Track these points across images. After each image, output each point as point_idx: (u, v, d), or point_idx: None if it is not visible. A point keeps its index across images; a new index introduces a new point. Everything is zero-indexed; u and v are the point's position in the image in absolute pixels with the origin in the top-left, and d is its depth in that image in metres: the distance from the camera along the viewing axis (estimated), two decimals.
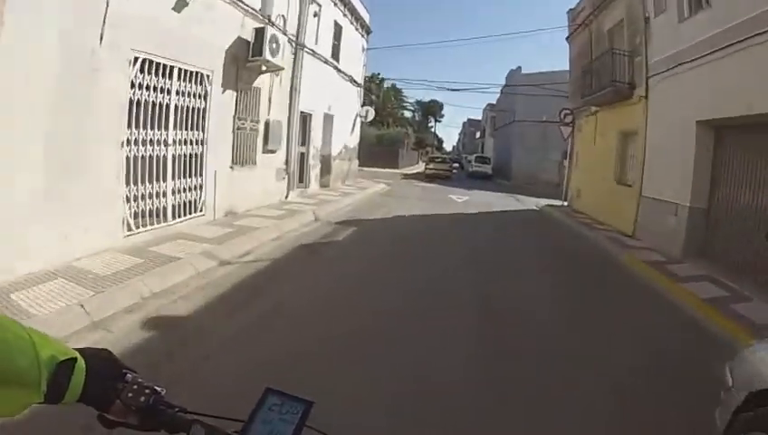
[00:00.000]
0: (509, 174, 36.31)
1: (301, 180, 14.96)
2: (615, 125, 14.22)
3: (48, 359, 0.79)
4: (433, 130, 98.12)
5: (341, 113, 17.86)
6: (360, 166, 35.67)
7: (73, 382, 0.82)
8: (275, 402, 0.86)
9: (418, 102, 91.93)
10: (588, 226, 13.63)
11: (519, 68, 38.39)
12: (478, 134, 75.91)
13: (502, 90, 46.62)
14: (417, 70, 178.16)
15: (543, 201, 20.76)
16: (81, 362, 0.85)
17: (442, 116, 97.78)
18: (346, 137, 19.10)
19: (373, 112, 20.96)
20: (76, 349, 0.88)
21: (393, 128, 48.34)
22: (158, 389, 0.91)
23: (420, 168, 43.87)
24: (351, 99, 19.41)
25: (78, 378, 0.83)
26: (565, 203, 18.98)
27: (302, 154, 14.93)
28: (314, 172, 15.65)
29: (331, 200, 13.82)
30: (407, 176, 31.71)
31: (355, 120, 20.12)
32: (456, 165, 69.15)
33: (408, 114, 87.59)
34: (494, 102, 51.01)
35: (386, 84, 56.41)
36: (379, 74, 55.62)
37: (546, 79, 34.09)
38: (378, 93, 55.17)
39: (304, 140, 14.93)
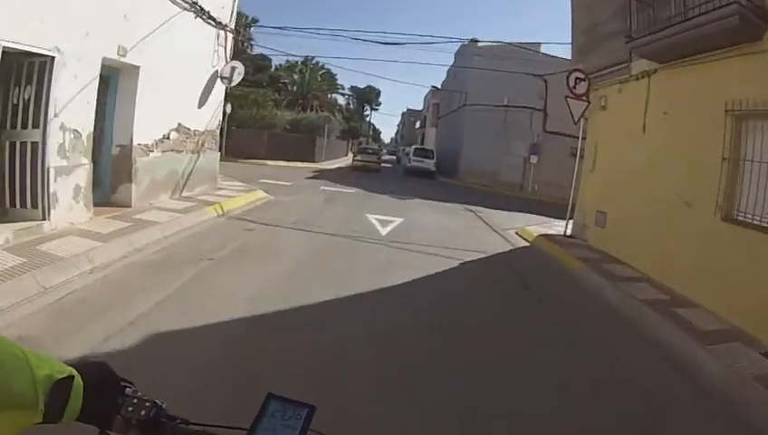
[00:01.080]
0: (456, 171, 28.87)
1: (23, 203, 6.63)
2: (713, 95, 6.76)
3: (45, 377, 0.78)
4: (369, 119, 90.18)
5: (170, 67, 9.46)
6: (263, 159, 27.35)
7: (72, 400, 0.81)
8: (277, 408, 0.84)
9: (353, 88, 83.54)
10: (671, 314, 6.11)
11: (474, 40, 30.97)
12: (418, 124, 68.57)
13: (449, 71, 39.43)
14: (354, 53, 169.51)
15: (520, 221, 13.36)
16: (78, 380, 0.83)
17: (379, 104, 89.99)
18: (186, 111, 10.69)
19: (242, 71, 12.47)
20: (73, 365, 0.86)
21: (318, 112, 39.86)
22: (159, 402, 0.89)
23: (347, 161, 36.93)
24: (199, 45, 11.04)
25: (76, 395, 0.82)
26: (569, 229, 11.53)
27: (24, 146, 6.60)
28: (72, 183, 7.19)
29: (61, 259, 5.53)
30: (320, 173, 23.31)
31: (211, 85, 11.78)
32: (391, 158, 62.21)
33: (341, 101, 79.63)
34: (439, 86, 43.57)
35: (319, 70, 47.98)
36: (313, 58, 47.28)
37: (510, 52, 26.97)
38: (303, 71, 46.60)
39: (28, 115, 6.59)
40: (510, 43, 28.65)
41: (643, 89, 8.58)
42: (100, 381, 0.88)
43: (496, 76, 26.03)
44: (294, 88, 45.11)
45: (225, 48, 12.11)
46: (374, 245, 8.82)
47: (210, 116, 12.06)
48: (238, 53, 40.71)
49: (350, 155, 48.55)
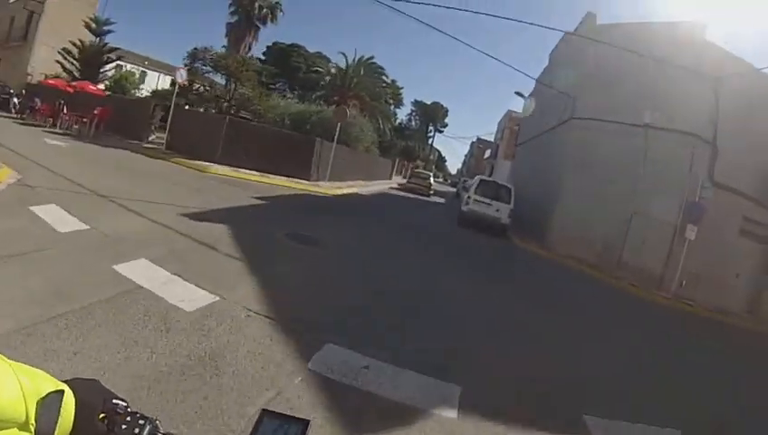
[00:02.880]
0: (544, 231, 17.28)
1: None
2: None
3: (34, 392, 0.77)
4: (431, 141, 79.03)
5: None
6: (212, 161, 15.66)
7: (63, 416, 0.80)
8: (272, 424, 0.86)
9: (417, 103, 73.00)
10: None
11: (590, 16, 19.58)
12: (488, 153, 56.96)
13: (540, 77, 28.25)
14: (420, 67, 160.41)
15: None
16: (69, 394, 0.83)
17: (445, 125, 78.75)
18: None
19: None
20: (64, 381, 0.85)
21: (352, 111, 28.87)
22: (152, 418, 0.89)
23: (383, 186, 28.96)
24: None
25: (68, 411, 0.82)
26: None
27: None
28: None
29: None
30: (265, 206, 12.03)
31: None
32: (449, 191, 51.66)
33: (403, 116, 69.40)
34: (523, 103, 32.39)
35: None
36: (371, 57, 37.97)
37: (654, 36, 15.56)
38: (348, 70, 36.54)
39: None
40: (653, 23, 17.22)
41: None
42: (92, 397, 0.86)
43: (630, 73, 14.91)
44: (327, 79, 34.86)
45: None
46: None
47: None
48: (251, 23, 31.43)
49: (396, 179, 38.39)
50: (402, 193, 29.71)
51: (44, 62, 29.16)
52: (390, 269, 8.36)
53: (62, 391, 0.80)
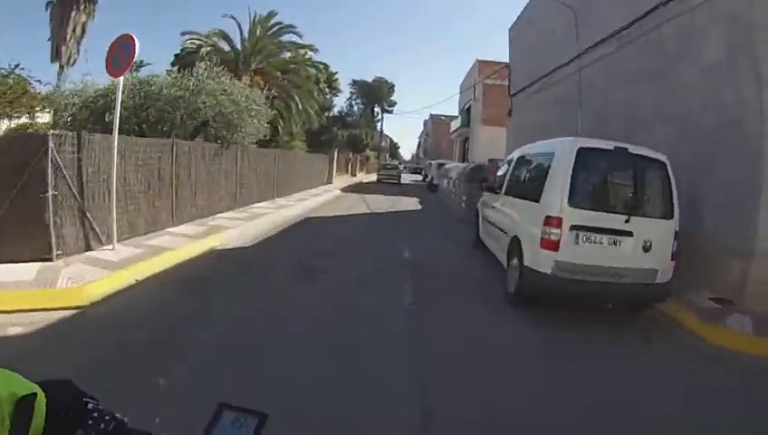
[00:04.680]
0: (720, 256, 6.51)
1: None
2: None
3: (8, 396, 0.78)
4: (380, 127, 67.02)
5: None
6: None
7: (36, 418, 0.81)
8: (229, 417, 0.86)
9: (356, 83, 60.79)
10: None
11: None
12: (454, 126, 45.51)
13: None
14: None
15: None
16: (41, 396, 0.84)
17: (393, 104, 66.96)
18: None
19: None
20: (36, 382, 0.86)
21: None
22: (120, 416, 0.91)
23: (295, 208, 17.07)
24: None
25: (39, 412, 0.83)
26: None
27: None
28: None
29: None
30: None
31: None
32: (415, 179, 42.42)
33: (342, 102, 57.88)
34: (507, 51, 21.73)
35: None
36: (273, 13, 26.32)
37: None
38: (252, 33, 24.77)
39: None
40: None
41: None
42: (63, 397, 0.88)
43: None
44: (207, 52, 23.00)
45: None
46: None
47: None
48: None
49: (340, 181, 31.89)
50: (347, 208, 18.26)
51: None
52: None
53: (34, 394, 0.81)
